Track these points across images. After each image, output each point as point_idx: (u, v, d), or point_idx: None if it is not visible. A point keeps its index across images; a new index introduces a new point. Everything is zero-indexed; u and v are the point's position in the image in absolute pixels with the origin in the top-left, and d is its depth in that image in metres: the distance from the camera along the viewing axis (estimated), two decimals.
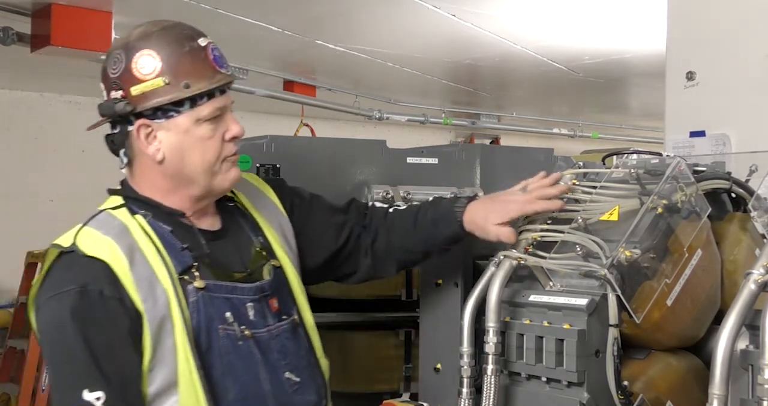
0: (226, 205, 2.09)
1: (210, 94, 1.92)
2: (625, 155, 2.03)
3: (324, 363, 2.11)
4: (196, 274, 1.90)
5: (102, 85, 1.95)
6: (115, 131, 1.97)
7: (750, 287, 1.48)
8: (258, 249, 2.05)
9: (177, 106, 1.90)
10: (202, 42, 1.94)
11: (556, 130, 9.93)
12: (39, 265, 6.53)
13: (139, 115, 1.91)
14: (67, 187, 7.58)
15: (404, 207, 2.30)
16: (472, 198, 2.11)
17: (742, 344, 1.51)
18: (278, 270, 2.05)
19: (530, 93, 8.64)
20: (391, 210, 2.25)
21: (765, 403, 1.39)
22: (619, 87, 8.06)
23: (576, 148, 8.72)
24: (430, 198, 2.25)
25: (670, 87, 3.42)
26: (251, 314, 1.95)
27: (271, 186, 2.21)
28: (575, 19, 5.54)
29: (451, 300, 2.15)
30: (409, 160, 3.10)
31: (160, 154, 1.93)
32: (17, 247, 6.87)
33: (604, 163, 2.11)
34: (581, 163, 2.09)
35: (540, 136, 9.89)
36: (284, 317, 2.02)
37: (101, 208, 1.99)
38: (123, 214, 1.95)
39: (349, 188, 3.02)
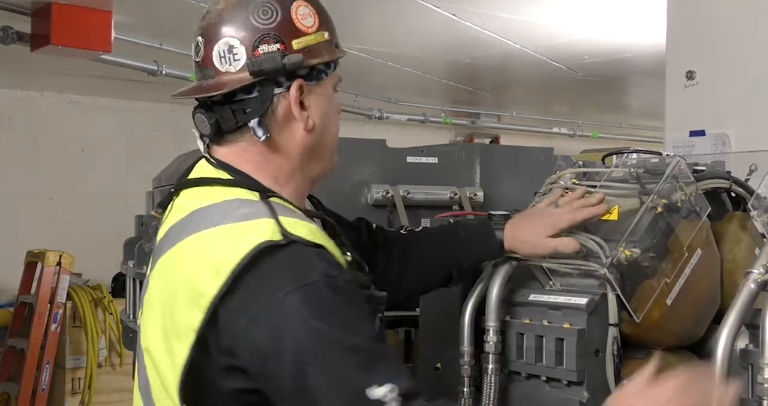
0: None
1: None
2: (625, 155, 2.04)
3: None
4: None
5: (235, 41, 1.58)
6: (249, 96, 1.60)
7: (750, 286, 1.49)
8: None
9: (327, 67, 1.67)
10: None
11: (555, 130, 9.94)
12: (39, 264, 6.57)
13: (293, 74, 1.61)
14: (67, 187, 7.59)
15: (419, 229, 2.09)
16: (506, 216, 1.96)
17: (742, 343, 1.51)
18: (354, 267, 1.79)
19: (530, 92, 8.64)
20: (403, 231, 2.07)
21: (765, 402, 1.40)
22: (619, 86, 8.06)
23: (576, 148, 8.72)
24: (451, 220, 2.14)
25: (670, 86, 3.42)
26: None
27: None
28: (575, 19, 5.54)
29: (451, 299, 2.15)
30: (409, 159, 3.10)
31: (311, 122, 1.64)
32: (17, 246, 6.88)
33: (603, 163, 2.12)
34: (581, 163, 2.09)
35: (540, 136, 9.89)
36: None
37: (235, 197, 1.58)
38: (281, 202, 1.61)
39: (349, 188, 3.02)
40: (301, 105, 1.62)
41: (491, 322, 1.90)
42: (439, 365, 2.18)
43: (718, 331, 1.48)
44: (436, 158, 3.12)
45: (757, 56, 3.05)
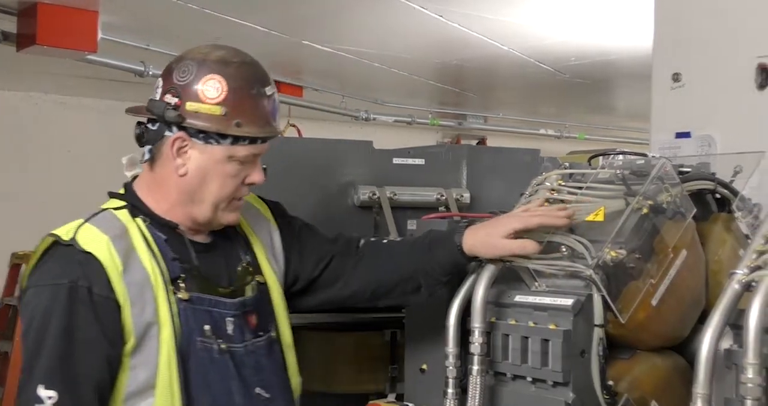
0: None
1: (253, 140, 1.98)
2: (611, 156, 2.04)
3: (295, 381, 2.15)
4: (182, 285, 1.95)
5: (161, 81, 2.00)
6: (152, 127, 2.00)
7: (734, 286, 1.49)
8: (245, 265, 2.09)
9: (221, 137, 1.95)
10: (269, 91, 2.00)
11: (542, 131, 9.95)
12: (23, 266, 6.53)
13: (182, 127, 1.95)
14: (53, 188, 7.54)
15: (388, 239, 2.31)
16: (470, 224, 2.09)
17: (726, 343, 1.52)
18: (262, 286, 2.10)
19: (517, 94, 8.65)
20: (384, 241, 2.26)
21: (748, 402, 1.40)
22: (606, 88, 8.08)
23: (562, 149, 8.74)
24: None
25: (656, 88, 3.43)
26: (230, 328, 1.99)
27: (268, 206, 2.27)
28: (562, 21, 5.55)
29: (436, 300, 2.15)
30: (396, 160, 3.10)
31: (183, 170, 1.98)
32: (1, 248, 6.83)
33: (590, 164, 2.12)
34: (567, 164, 2.09)
35: (526, 137, 9.90)
36: (261, 333, 2.06)
37: (104, 207, 2.03)
38: (124, 215, 1.99)
39: (336, 189, 3.02)
40: (181, 153, 1.96)
41: (477, 323, 1.91)
42: (424, 366, 2.18)
43: (703, 331, 1.48)
44: (423, 160, 3.12)
45: (743, 58, 3.07)
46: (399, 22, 5.63)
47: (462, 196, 3.09)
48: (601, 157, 2.09)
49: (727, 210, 2.04)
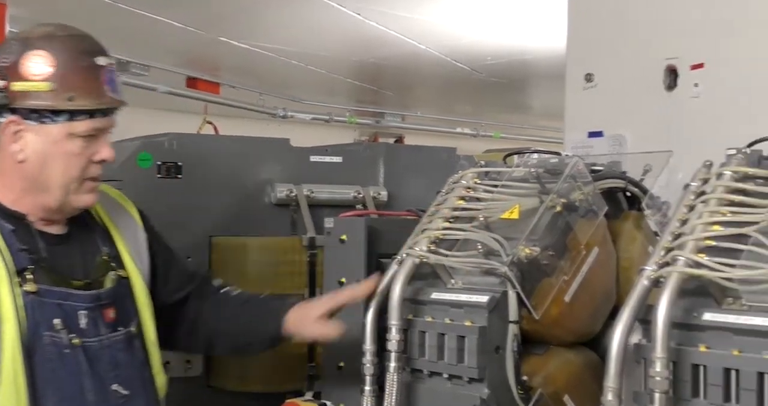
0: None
1: (91, 113, 1.89)
2: (526, 155, 2.07)
3: (160, 379, 2.10)
4: (30, 277, 1.87)
5: None
6: None
7: (643, 282, 1.52)
8: (104, 258, 2.02)
9: (55, 114, 1.87)
10: (101, 61, 1.89)
11: (459, 130, 10.04)
12: None
13: (14, 110, 1.86)
14: None
15: (237, 292, 2.28)
16: (296, 302, 2.17)
17: (636, 338, 1.55)
18: (123, 281, 2.03)
19: (434, 92, 8.71)
20: (222, 291, 2.26)
21: (656, 395, 1.43)
22: (521, 87, 8.20)
23: (478, 148, 8.81)
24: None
25: (570, 88, 3.49)
26: (83, 322, 1.91)
27: (137, 209, 2.20)
28: (478, 20, 5.61)
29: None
30: (313, 158, 3.10)
31: (22, 155, 1.89)
32: None
33: (505, 163, 2.15)
34: (483, 163, 2.11)
35: (443, 136, 9.97)
36: (120, 328, 1.99)
37: None
38: None
39: (253, 187, 3.00)
40: (17, 138, 1.88)
41: (394, 320, 1.91)
42: (342, 364, 2.18)
43: (613, 327, 1.51)
44: (341, 157, 3.12)
45: (653, 59, 3.14)
46: (317, 20, 5.62)
47: (379, 194, 3.10)
48: (516, 156, 2.11)
49: (637, 208, 2.08)
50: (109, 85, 1.89)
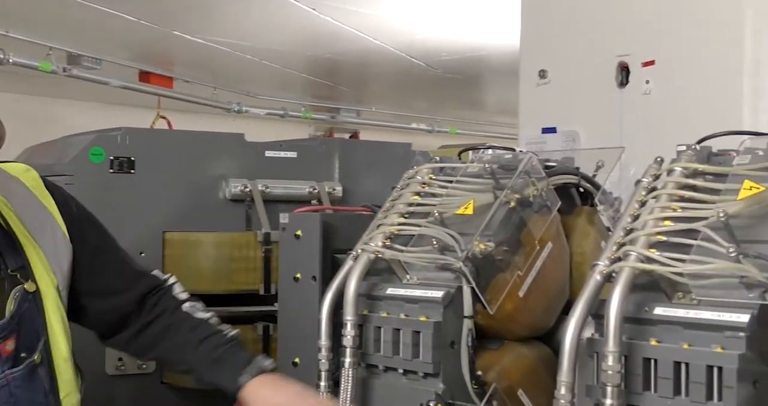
0: None
1: None
2: (481, 150, 2.08)
3: (72, 401, 1.86)
4: None
5: None
6: None
7: (596, 277, 1.54)
8: (11, 273, 1.77)
9: None
10: None
11: (414, 126, 10.06)
12: None
13: None
14: None
15: (199, 316, 2.01)
16: (263, 369, 1.93)
17: (589, 332, 1.56)
18: (30, 295, 1.77)
19: (389, 88, 8.72)
20: (184, 306, 2.01)
21: (609, 388, 1.45)
22: (477, 84, 8.23)
23: (434, 143, 8.85)
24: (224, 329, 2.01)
25: (524, 84, 3.51)
26: None
27: (52, 193, 1.90)
28: (434, 16, 5.62)
29: (309, 294, 2.15)
30: (268, 153, 3.09)
31: None
32: None
33: (460, 158, 2.16)
34: (438, 158, 2.12)
35: (399, 131, 9.99)
36: (21, 359, 1.75)
37: None
38: None
39: (207, 182, 2.98)
40: None
41: (349, 316, 1.91)
42: (297, 359, 2.18)
43: (567, 321, 1.52)
44: (295, 153, 3.12)
45: (605, 56, 3.17)
46: (272, 15, 5.59)
47: (334, 189, 3.10)
48: (470, 152, 2.12)
49: (590, 203, 2.10)
50: None
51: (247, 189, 2.96)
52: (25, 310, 1.76)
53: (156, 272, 2.05)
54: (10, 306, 1.74)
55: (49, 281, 1.82)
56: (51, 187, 1.91)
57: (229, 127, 8.71)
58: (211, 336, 1.96)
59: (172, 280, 2.05)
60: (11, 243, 1.79)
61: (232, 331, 1.99)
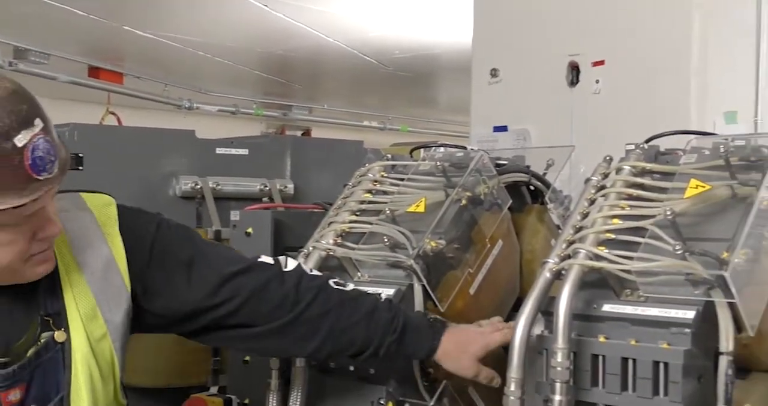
0: None
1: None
2: (432, 148, 2.09)
3: None
4: None
5: None
6: None
7: (546, 275, 1.55)
8: (44, 317, 1.61)
9: None
10: (20, 140, 1.41)
11: (366, 123, 10.07)
12: None
13: None
14: None
15: (349, 289, 1.79)
16: (444, 325, 1.77)
17: (538, 329, 1.58)
18: (57, 347, 1.61)
19: (342, 86, 8.71)
20: (330, 282, 1.78)
21: (557, 384, 1.47)
22: (428, 82, 8.26)
23: (386, 141, 8.85)
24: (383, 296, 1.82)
25: (476, 83, 3.53)
26: None
27: (125, 234, 1.69)
28: (387, 14, 5.63)
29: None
30: (219, 150, 3.07)
31: None
32: None
33: (411, 156, 2.16)
34: (390, 156, 2.12)
35: (350, 129, 9.99)
36: None
37: None
38: None
39: (157, 179, 2.95)
40: None
41: None
42: (248, 358, 2.17)
43: (516, 318, 1.54)
44: (247, 150, 3.10)
45: (556, 56, 3.19)
46: (223, 11, 5.56)
47: (286, 186, 3.09)
48: (422, 150, 2.13)
49: (540, 202, 2.12)
50: (35, 167, 1.43)
51: (198, 186, 2.94)
52: (45, 360, 1.60)
53: (272, 260, 1.80)
54: (29, 353, 1.58)
55: (84, 333, 1.63)
56: (128, 228, 1.70)
57: (179, 123, 8.63)
58: (378, 307, 1.75)
59: (292, 263, 1.81)
60: (52, 286, 1.62)
61: (382, 296, 1.82)
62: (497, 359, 1.86)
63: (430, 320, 1.77)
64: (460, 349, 1.73)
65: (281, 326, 1.72)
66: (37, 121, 1.44)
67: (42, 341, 1.59)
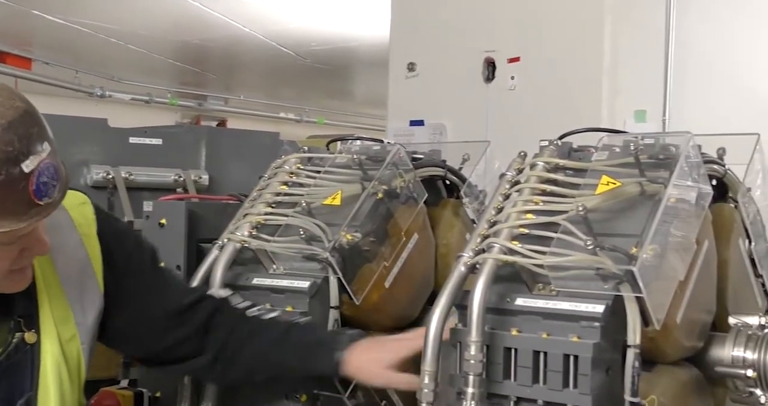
0: None
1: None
2: (349, 141, 2.09)
3: None
4: None
5: None
6: None
7: (460, 268, 1.57)
8: (17, 318, 1.61)
9: None
10: (27, 166, 1.39)
11: (283, 115, 10.01)
12: None
13: None
14: None
15: (266, 316, 1.86)
16: (353, 338, 1.78)
17: (452, 322, 1.59)
18: (27, 348, 1.61)
19: (258, 77, 8.64)
20: (248, 312, 1.86)
21: (471, 377, 1.48)
22: (346, 74, 8.25)
23: (302, 133, 8.84)
24: (298, 319, 1.87)
25: (393, 77, 3.55)
26: None
27: (102, 235, 1.71)
28: (305, 5, 5.60)
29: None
30: (132, 140, 3.02)
31: None
32: None
33: (328, 149, 2.16)
34: (306, 148, 2.12)
35: (267, 120, 9.92)
36: None
37: None
38: None
39: (67, 168, 2.89)
40: None
41: None
42: None
43: (431, 312, 1.54)
44: (161, 140, 3.06)
45: (472, 52, 3.23)
46: None
47: (200, 177, 3.05)
48: (339, 143, 2.13)
49: (455, 196, 2.14)
50: (38, 193, 1.42)
51: (110, 176, 2.88)
52: (14, 361, 1.60)
53: (210, 291, 1.89)
54: (1, 355, 1.58)
55: (55, 335, 1.64)
56: (104, 228, 1.71)
57: (91, 112, 8.45)
58: (290, 329, 1.80)
59: (224, 293, 1.89)
60: (27, 288, 1.61)
61: (302, 318, 1.86)
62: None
63: (343, 334, 1.79)
64: (370, 360, 1.72)
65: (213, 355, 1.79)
66: (45, 146, 1.44)
67: (13, 342, 1.59)
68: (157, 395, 2.14)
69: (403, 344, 1.72)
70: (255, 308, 1.86)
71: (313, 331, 1.82)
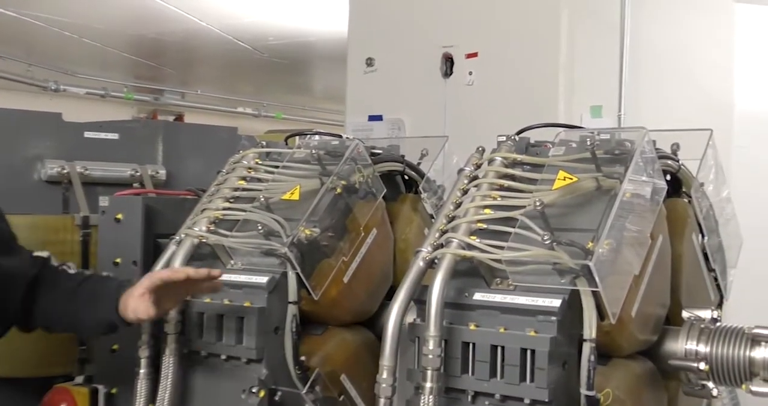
0: None
1: None
2: (308, 136, 2.08)
3: None
4: None
5: None
6: None
7: (419, 263, 1.57)
8: None
9: None
10: None
11: (240, 109, 9.96)
12: None
13: None
14: None
15: (73, 271, 1.99)
16: (131, 283, 1.85)
17: (411, 317, 1.60)
18: None
19: (216, 71, 8.59)
20: (60, 268, 1.99)
21: (429, 372, 1.49)
22: (304, 69, 8.23)
23: (260, 128, 8.80)
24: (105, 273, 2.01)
25: (351, 72, 3.55)
26: None
27: None
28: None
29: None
30: (87, 134, 2.98)
31: None
32: None
33: (286, 144, 2.15)
34: (264, 143, 2.11)
35: (224, 115, 9.86)
36: None
37: None
38: None
39: (20, 163, 2.85)
40: None
41: None
42: (116, 346, 2.12)
43: (389, 307, 1.55)
44: (117, 134, 3.02)
45: (430, 47, 3.24)
46: None
47: (158, 172, 3.02)
48: (297, 137, 2.12)
49: (414, 191, 2.15)
50: None
51: (65, 171, 2.84)
52: None
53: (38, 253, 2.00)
54: None
55: None
56: None
57: (45, 106, 8.34)
58: (83, 282, 1.91)
59: (45, 254, 2.00)
60: None
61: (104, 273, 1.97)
62: (371, 347, 1.88)
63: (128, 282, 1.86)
64: (128, 296, 1.79)
65: None
66: None
67: None
68: (113, 391, 2.12)
69: (149, 276, 1.80)
70: (66, 265, 1.99)
71: (102, 283, 1.91)
